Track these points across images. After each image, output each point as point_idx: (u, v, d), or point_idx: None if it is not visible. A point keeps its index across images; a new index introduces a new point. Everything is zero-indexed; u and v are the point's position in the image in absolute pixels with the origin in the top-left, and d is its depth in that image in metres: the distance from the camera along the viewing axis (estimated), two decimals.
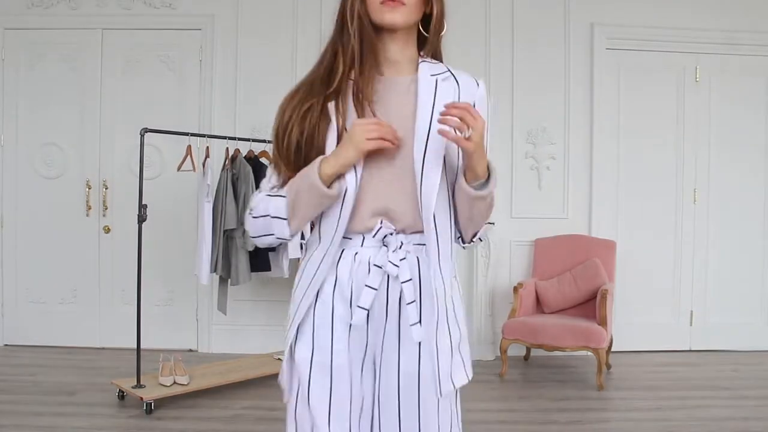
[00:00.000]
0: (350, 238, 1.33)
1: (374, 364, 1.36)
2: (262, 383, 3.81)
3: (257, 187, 3.85)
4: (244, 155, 3.89)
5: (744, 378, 4.07)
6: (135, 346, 3.48)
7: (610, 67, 4.69)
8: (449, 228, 1.34)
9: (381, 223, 1.31)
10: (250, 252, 3.83)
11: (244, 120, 4.56)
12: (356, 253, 1.33)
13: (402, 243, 1.32)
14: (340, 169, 1.27)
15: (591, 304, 4.21)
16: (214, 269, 3.82)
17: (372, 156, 1.28)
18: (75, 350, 4.52)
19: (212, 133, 4.07)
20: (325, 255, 1.33)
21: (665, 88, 4.75)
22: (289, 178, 1.33)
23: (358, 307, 1.31)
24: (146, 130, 3.47)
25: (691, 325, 4.79)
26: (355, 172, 1.29)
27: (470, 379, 1.39)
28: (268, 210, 1.33)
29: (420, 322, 1.31)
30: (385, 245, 1.32)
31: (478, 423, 3.23)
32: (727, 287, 4.77)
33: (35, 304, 4.66)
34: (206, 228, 3.74)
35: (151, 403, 3.29)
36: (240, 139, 3.94)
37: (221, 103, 4.60)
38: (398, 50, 1.35)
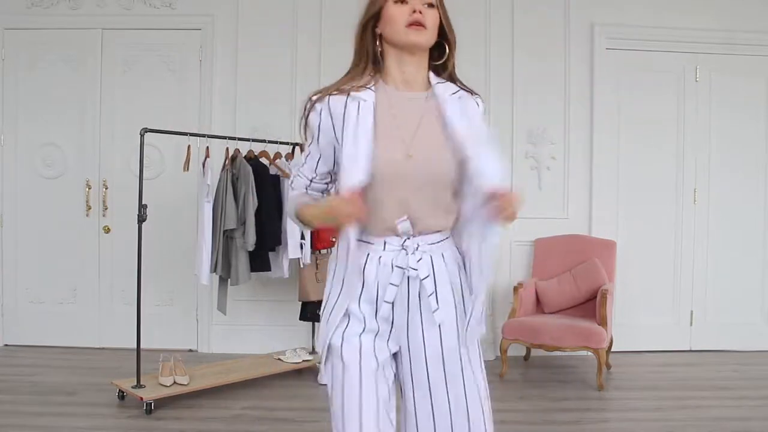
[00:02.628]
0: (373, 243, 1.50)
1: (399, 352, 1.55)
2: (262, 383, 3.81)
3: (257, 187, 3.89)
4: (244, 155, 3.89)
5: (744, 378, 4.07)
6: (135, 346, 3.48)
7: (610, 67, 4.69)
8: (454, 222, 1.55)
9: (401, 229, 1.47)
10: (250, 252, 3.83)
11: (244, 120, 4.56)
12: (380, 257, 1.49)
13: (418, 245, 1.49)
14: (317, 224, 1.55)
15: (591, 304, 4.21)
16: (213, 269, 3.81)
17: (391, 170, 1.44)
18: (75, 350, 4.53)
19: (212, 133, 4.07)
20: (349, 260, 1.48)
21: (665, 88, 4.74)
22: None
23: (384, 301, 1.49)
24: (146, 130, 3.47)
25: (691, 325, 4.79)
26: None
27: (484, 331, 1.57)
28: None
29: (439, 307, 1.50)
30: (404, 249, 1.49)
31: None
32: (727, 287, 4.77)
33: (35, 304, 4.66)
34: (206, 228, 3.74)
35: (151, 403, 3.29)
36: (240, 139, 3.94)
37: (221, 103, 4.60)
38: (414, 71, 1.51)
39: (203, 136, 3.84)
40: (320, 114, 1.48)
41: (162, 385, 3.45)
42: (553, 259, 4.53)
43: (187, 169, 3.72)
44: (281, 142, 4.08)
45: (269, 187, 3.92)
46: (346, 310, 1.50)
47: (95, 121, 4.62)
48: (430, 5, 1.45)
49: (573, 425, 3.21)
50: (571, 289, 4.31)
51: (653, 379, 4.03)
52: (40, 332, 4.62)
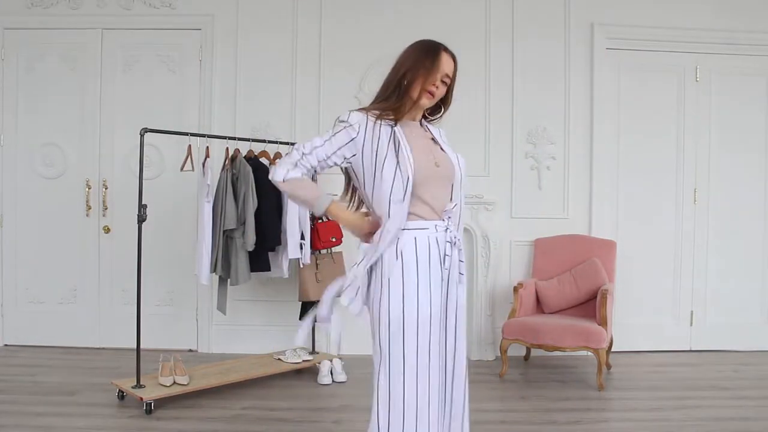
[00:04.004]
0: (427, 228, 1.95)
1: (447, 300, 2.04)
2: (262, 383, 3.82)
3: (257, 187, 3.89)
4: (243, 155, 3.89)
5: (744, 378, 4.07)
6: (135, 346, 3.48)
7: (610, 67, 4.69)
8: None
9: (446, 218, 2.00)
10: (249, 252, 3.83)
11: (244, 120, 4.57)
12: (436, 237, 1.97)
13: (449, 225, 2.01)
14: (340, 222, 2.04)
15: (591, 304, 4.21)
16: (213, 269, 3.82)
17: (429, 173, 1.92)
18: (75, 350, 4.53)
19: (212, 133, 4.07)
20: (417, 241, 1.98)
21: (665, 88, 4.75)
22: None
23: (444, 269, 1.98)
24: (146, 130, 3.47)
25: (691, 325, 4.79)
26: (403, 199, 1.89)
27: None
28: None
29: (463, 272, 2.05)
30: (448, 228, 2.00)
31: (477, 423, 3.22)
32: (727, 287, 4.77)
33: (35, 304, 4.67)
34: (206, 228, 3.74)
35: (151, 403, 3.28)
36: (240, 139, 3.94)
37: (221, 103, 4.61)
38: (417, 112, 2.05)
39: (203, 136, 3.85)
40: (357, 129, 1.90)
41: (162, 385, 3.45)
42: (553, 259, 4.53)
43: (192, 168, 3.71)
44: (281, 142, 4.08)
45: (269, 187, 3.90)
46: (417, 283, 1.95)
47: (95, 121, 4.62)
48: (446, 83, 1.98)
49: (573, 425, 3.21)
50: (571, 289, 4.31)
51: (653, 379, 4.03)
52: (40, 332, 4.62)
